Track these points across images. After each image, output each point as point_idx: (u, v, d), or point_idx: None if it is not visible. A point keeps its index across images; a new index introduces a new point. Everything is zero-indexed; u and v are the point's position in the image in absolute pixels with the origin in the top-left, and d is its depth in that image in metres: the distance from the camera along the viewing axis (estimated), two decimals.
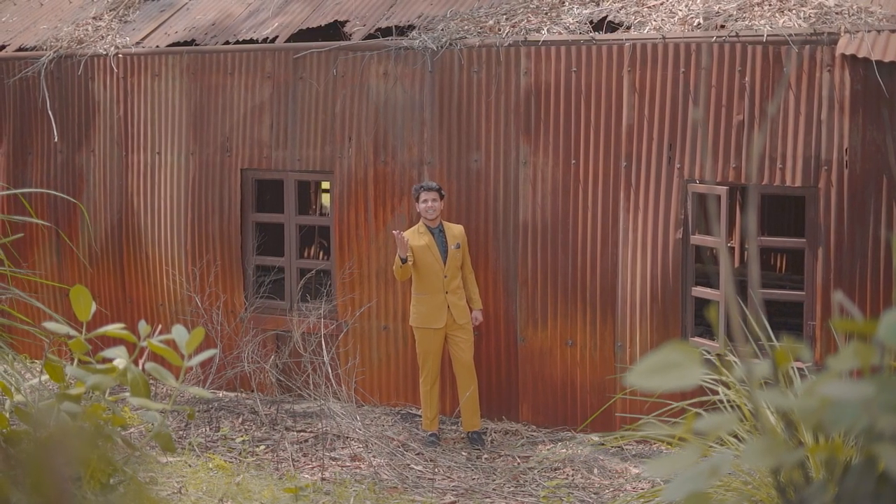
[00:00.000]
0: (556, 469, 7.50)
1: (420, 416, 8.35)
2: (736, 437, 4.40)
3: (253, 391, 8.88)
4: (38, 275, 9.72)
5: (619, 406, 7.93)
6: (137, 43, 9.74)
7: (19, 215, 9.87)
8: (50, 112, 9.84)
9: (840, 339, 6.78)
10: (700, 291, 7.71)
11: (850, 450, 1.31)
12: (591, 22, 8.24)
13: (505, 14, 8.56)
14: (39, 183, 9.94)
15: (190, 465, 7.24)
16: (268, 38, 9.20)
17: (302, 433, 8.20)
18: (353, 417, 8.14)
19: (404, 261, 7.74)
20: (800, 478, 1.28)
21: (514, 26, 8.36)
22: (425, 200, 7.90)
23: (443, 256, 7.90)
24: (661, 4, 8.19)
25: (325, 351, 8.57)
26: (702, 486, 1.21)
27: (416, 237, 7.92)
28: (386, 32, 8.82)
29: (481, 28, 8.46)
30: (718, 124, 7.60)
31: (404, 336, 8.63)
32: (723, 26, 7.70)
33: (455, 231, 8.02)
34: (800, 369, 5.86)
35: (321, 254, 12.75)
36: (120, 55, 9.63)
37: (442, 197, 8.00)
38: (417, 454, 7.80)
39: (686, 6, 8.07)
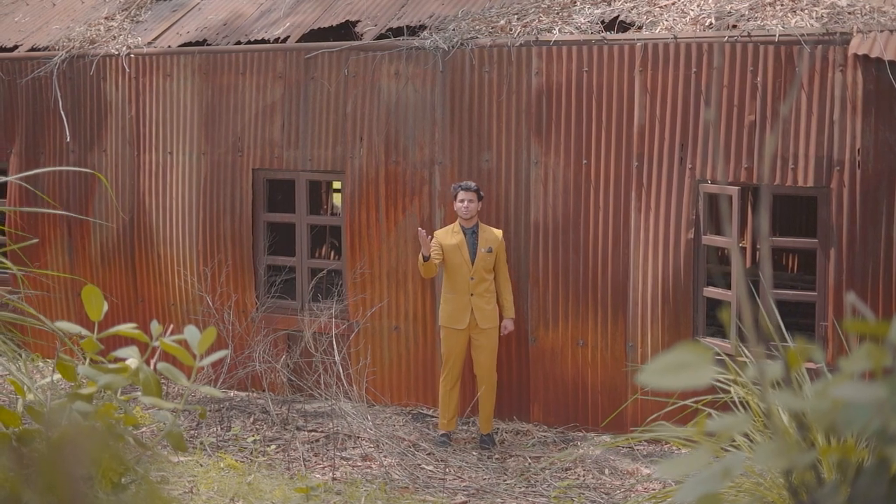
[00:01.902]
0: (567, 469, 7.49)
1: (431, 416, 8.35)
2: (748, 437, 4.38)
3: (264, 391, 8.90)
4: (49, 275, 9.76)
5: (630, 406, 7.92)
6: (149, 43, 9.77)
7: (32, 216, 9.92)
8: (62, 112, 9.87)
9: (852, 341, 6.75)
10: (712, 292, 7.69)
11: (862, 451, 1.30)
12: (602, 22, 8.23)
13: (516, 14, 8.55)
14: (51, 183, 9.98)
15: (201, 465, 7.26)
16: (279, 38, 9.21)
17: (313, 433, 8.21)
18: (363, 417, 8.15)
19: (426, 258, 7.71)
20: (812, 479, 1.27)
21: (525, 26, 8.35)
22: (462, 200, 7.85)
23: (471, 258, 7.86)
24: (673, 4, 8.17)
25: (336, 351, 8.58)
26: (714, 488, 1.21)
27: (448, 236, 7.89)
28: (397, 32, 8.82)
29: (492, 28, 8.46)
30: (730, 124, 7.58)
31: (415, 336, 8.63)
32: (735, 26, 7.68)
33: (491, 235, 7.92)
34: (812, 370, 5.85)
35: (332, 254, 12.76)
36: (132, 55, 9.66)
37: (480, 198, 7.94)
38: (428, 454, 7.80)
39: (698, 6, 8.05)
